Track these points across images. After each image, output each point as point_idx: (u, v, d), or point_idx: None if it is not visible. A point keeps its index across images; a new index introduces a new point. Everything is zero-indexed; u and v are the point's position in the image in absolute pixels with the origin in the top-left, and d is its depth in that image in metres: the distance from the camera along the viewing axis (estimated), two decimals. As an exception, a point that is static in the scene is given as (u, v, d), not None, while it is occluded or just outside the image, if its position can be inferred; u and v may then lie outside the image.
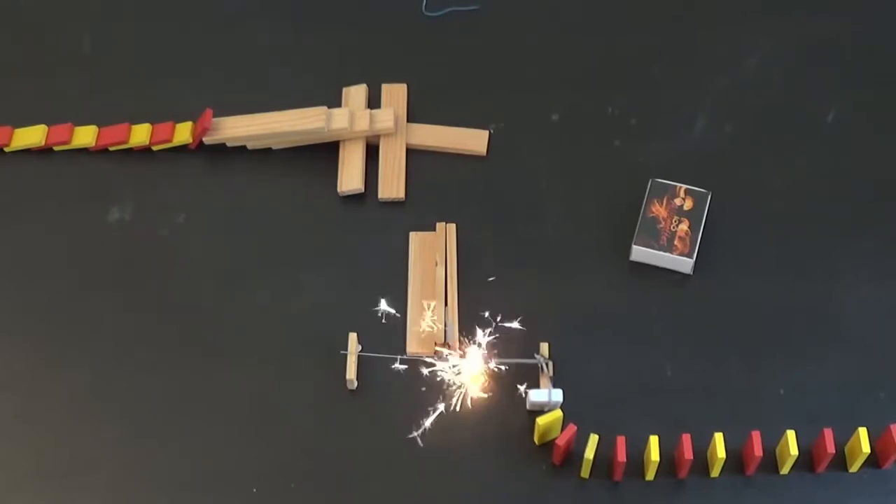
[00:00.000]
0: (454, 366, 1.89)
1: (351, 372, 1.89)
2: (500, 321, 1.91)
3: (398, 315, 1.92)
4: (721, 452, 1.78)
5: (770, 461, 1.83)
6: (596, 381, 1.90)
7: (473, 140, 2.13)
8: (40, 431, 1.89)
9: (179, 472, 1.85)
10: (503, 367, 1.88)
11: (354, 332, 1.92)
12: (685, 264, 1.98)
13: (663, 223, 1.99)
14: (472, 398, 1.87)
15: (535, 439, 1.85)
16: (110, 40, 2.26)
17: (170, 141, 2.11)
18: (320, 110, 2.10)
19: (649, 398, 1.89)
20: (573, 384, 1.87)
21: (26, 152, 2.13)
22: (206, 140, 2.10)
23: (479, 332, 1.90)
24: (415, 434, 1.84)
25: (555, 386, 1.87)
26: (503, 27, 2.26)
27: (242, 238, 2.05)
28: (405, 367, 1.90)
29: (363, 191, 2.08)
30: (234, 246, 2.04)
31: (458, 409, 1.86)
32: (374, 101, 2.17)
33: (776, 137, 2.13)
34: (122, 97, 2.18)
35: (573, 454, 1.83)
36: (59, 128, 2.13)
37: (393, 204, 2.08)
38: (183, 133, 2.11)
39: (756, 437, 1.79)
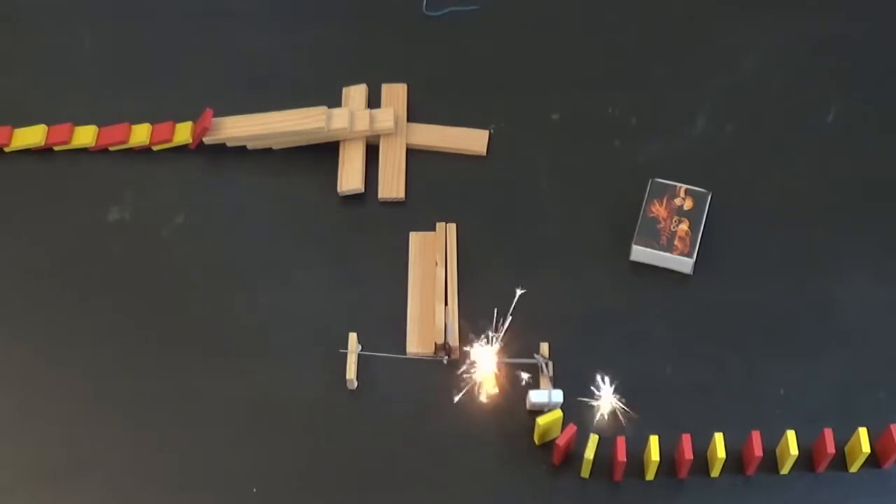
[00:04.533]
0: (469, 365, 1.89)
1: (351, 372, 1.89)
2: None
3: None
4: (721, 452, 1.78)
5: (770, 461, 1.83)
6: (596, 381, 1.90)
7: (473, 140, 2.13)
8: (40, 431, 1.89)
9: (179, 472, 1.85)
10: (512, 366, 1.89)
11: (354, 332, 1.92)
12: (685, 264, 1.98)
13: (663, 223, 1.99)
14: (482, 397, 1.87)
15: (535, 439, 1.85)
16: (110, 40, 2.26)
17: (170, 141, 2.11)
18: (320, 110, 2.10)
19: (649, 398, 1.89)
20: (573, 384, 1.87)
21: (26, 152, 2.13)
22: (206, 140, 2.10)
23: (488, 331, 1.90)
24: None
25: (555, 386, 1.87)
26: (503, 27, 2.26)
27: (242, 238, 2.05)
28: (411, 366, 1.91)
29: (363, 191, 2.08)
30: (233, 246, 2.04)
31: (464, 406, 1.87)
32: (374, 101, 2.17)
33: (776, 137, 2.13)
34: (122, 97, 2.18)
35: (573, 454, 1.83)
36: (59, 128, 2.13)
37: (393, 204, 2.08)
38: (183, 133, 2.11)
39: (756, 437, 1.79)
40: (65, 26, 2.28)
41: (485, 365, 1.88)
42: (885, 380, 1.90)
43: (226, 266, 2.02)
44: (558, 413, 1.82)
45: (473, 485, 1.84)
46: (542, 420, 1.81)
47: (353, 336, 1.91)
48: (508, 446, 1.85)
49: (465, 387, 1.87)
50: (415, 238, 2.03)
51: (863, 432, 1.79)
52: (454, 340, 1.91)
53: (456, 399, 1.86)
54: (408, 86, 2.18)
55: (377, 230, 2.05)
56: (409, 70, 2.20)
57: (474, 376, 1.87)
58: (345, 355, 1.90)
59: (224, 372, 1.92)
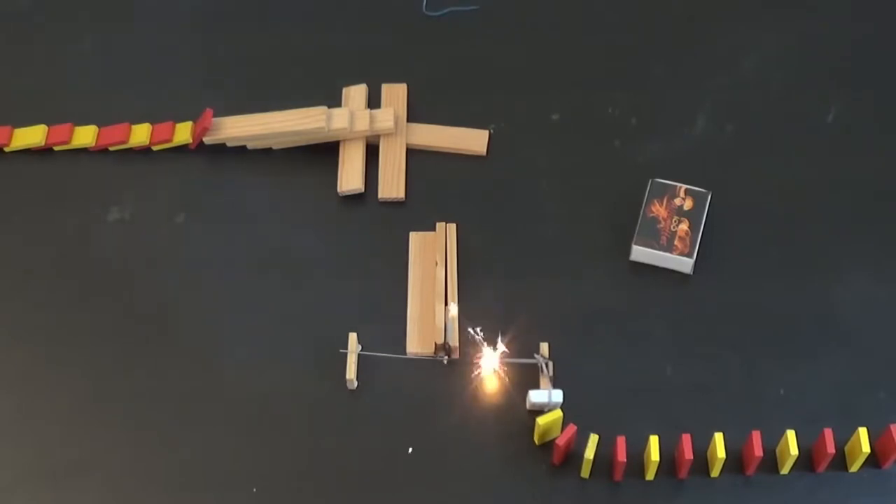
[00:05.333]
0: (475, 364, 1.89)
1: (351, 372, 1.89)
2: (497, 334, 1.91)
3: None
4: (721, 452, 1.78)
5: (770, 461, 1.83)
6: (596, 381, 1.90)
7: (473, 140, 2.13)
8: (40, 430, 1.89)
9: (179, 472, 1.85)
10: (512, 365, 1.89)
11: (354, 332, 1.92)
12: (685, 264, 1.98)
13: (663, 223, 1.99)
14: (482, 396, 1.88)
15: (535, 439, 1.85)
16: (110, 40, 2.26)
17: (170, 141, 2.11)
18: (320, 110, 2.10)
19: (649, 398, 1.89)
20: (573, 384, 1.87)
21: (26, 152, 2.13)
22: (206, 140, 2.10)
23: (485, 332, 1.90)
24: None
25: (555, 386, 1.87)
26: (503, 27, 2.26)
27: (242, 238, 2.05)
28: (411, 366, 1.91)
29: (363, 191, 2.08)
30: (233, 246, 2.04)
31: (464, 406, 1.87)
32: (374, 101, 2.17)
33: (776, 137, 2.13)
34: (122, 97, 2.18)
35: (573, 454, 1.83)
36: (59, 128, 2.13)
37: (393, 204, 2.08)
38: (183, 133, 2.11)
39: (756, 437, 1.79)
40: (65, 26, 2.28)
41: (486, 364, 1.88)
42: (885, 380, 1.90)
43: (225, 266, 2.02)
44: (558, 413, 1.82)
45: (473, 485, 1.84)
46: (542, 420, 1.81)
47: (353, 336, 1.91)
48: (508, 446, 1.85)
49: (466, 386, 1.88)
50: (415, 238, 2.03)
51: (863, 432, 1.79)
52: (454, 340, 1.91)
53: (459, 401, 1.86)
54: (408, 86, 2.18)
55: (377, 230, 2.05)
56: (409, 70, 2.20)
57: (475, 375, 1.88)
58: (345, 355, 1.90)
59: (224, 372, 1.92)
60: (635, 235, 1.99)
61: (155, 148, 2.12)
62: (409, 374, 1.91)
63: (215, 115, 2.11)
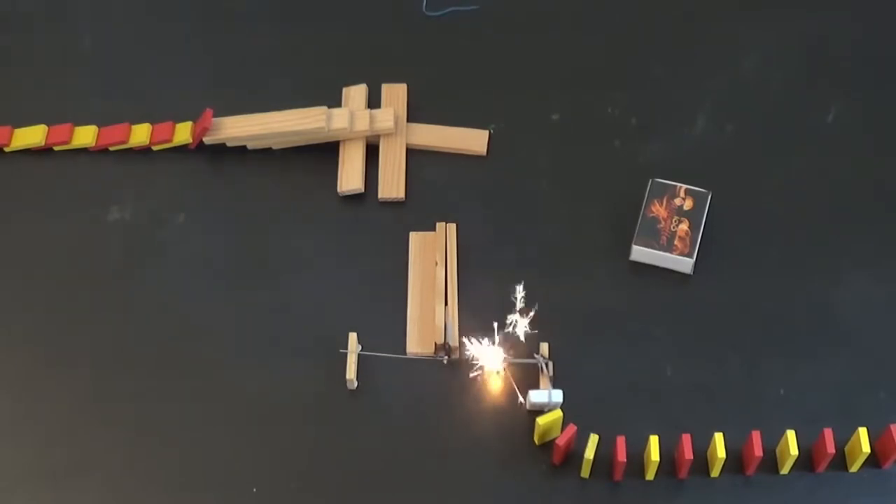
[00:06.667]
0: (475, 364, 1.89)
1: (351, 372, 1.89)
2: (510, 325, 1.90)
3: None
4: (721, 452, 1.78)
5: (770, 461, 1.83)
6: (596, 381, 1.90)
7: (473, 140, 2.13)
8: (40, 431, 1.89)
9: (179, 472, 1.85)
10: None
11: (354, 332, 1.92)
12: (685, 264, 1.98)
13: (663, 223, 1.99)
14: (483, 396, 1.88)
15: (535, 439, 1.85)
16: (110, 40, 2.26)
17: (170, 141, 2.11)
18: (320, 110, 2.10)
19: (649, 398, 1.89)
20: (573, 384, 1.87)
21: (26, 152, 2.13)
22: (206, 140, 2.10)
23: (493, 331, 1.90)
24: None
25: (555, 386, 1.87)
26: (503, 27, 2.26)
27: (242, 238, 2.05)
28: (411, 366, 1.91)
29: (363, 191, 2.08)
30: (233, 246, 2.04)
31: (464, 406, 1.87)
32: (374, 101, 2.17)
33: (776, 137, 2.13)
34: (122, 97, 2.18)
35: (573, 454, 1.83)
36: (59, 128, 2.13)
37: (393, 204, 2.08)
38: (183, 133, 2.11)
39: (756, 437, 1.79)
40: (65, 26, 2.28)
41: (488, 364, 1.88)
42: (885, 380, 1.90)
43: (225, 266, 2.02)
44: (558, 413, 1.82)
45: (473, 485, 1.84)
46: (542, 420, 1.81)
47: (353, 336, 1.91)
48: (508, 446, 1.85)
49: (467, 386, 1.88)
50: (415, 238, 2.03)
51: (863, 432, 1.79)
52: (454, 340, 1.91)
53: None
54: (408, 86, 2.18)
55: (377, 230, 2.05)
56: (409, 70, 2.20)
57: (477, 375, 1.88)
58: (345, 355, 1.90)
59: (224, 372, 1.92)
60: (635, 235, 1.99)
61: (155, 148, 2.12)
62: (409, 374, 1.91)
63: (215, 115, 2.11)
